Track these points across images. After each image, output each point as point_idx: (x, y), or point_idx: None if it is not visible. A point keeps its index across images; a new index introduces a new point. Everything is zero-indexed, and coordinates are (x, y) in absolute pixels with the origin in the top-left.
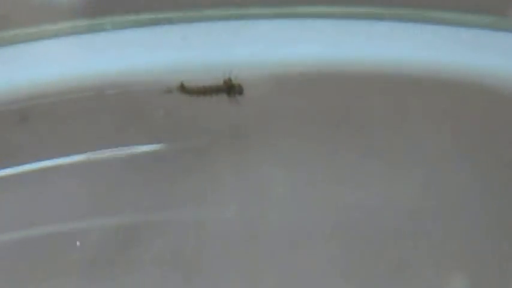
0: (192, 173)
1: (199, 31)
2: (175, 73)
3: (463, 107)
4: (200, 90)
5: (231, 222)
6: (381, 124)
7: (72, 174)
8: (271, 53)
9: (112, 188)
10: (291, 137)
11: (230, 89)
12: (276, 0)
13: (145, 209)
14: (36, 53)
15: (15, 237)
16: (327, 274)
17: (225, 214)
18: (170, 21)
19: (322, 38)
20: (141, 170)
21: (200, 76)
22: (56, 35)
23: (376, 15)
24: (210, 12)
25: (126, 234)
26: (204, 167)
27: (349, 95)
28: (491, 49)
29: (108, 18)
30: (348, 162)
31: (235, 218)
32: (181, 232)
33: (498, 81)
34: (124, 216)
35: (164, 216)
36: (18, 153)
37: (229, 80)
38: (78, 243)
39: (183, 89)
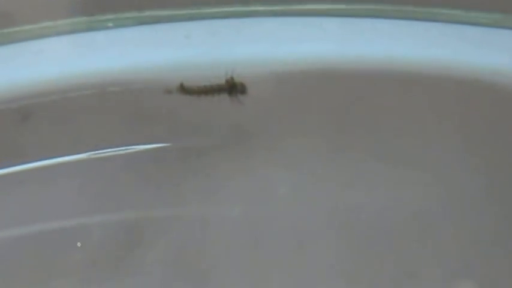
0: (195, 173)
1: (202, 29)
2: (178, 71)
3: (469, 105)
4: (200, 90)
5: (234, 223)
6: (386, 123)
7: (73, 173)
8: (274, 51)
9: (114, 187)
10: (294, 136)
11: (232, 88)
12: None
13: (148, 209)
14: (38, 51)
15: (16, 237)
16: (331, 275)
17: (228, 214)
18: (173, 19)
19: (326, 36)
20: (143, 169)
21: (203, 74)
22: (57, 32)
23: (380, 13)
24: (213, 10)
25: (128, 234)
26: (207, 166)
27: (353, 94)
28: (497, 47)
29: (110, 15)
30: (353, 162)
31: (238, 218)
32: (184, 232)
33: (504, 79)
34: (126, 216)
35: (167, 216)
36: (19, 152)
37: (232, 78)
38: (79, 243)
39: (183, 89)
